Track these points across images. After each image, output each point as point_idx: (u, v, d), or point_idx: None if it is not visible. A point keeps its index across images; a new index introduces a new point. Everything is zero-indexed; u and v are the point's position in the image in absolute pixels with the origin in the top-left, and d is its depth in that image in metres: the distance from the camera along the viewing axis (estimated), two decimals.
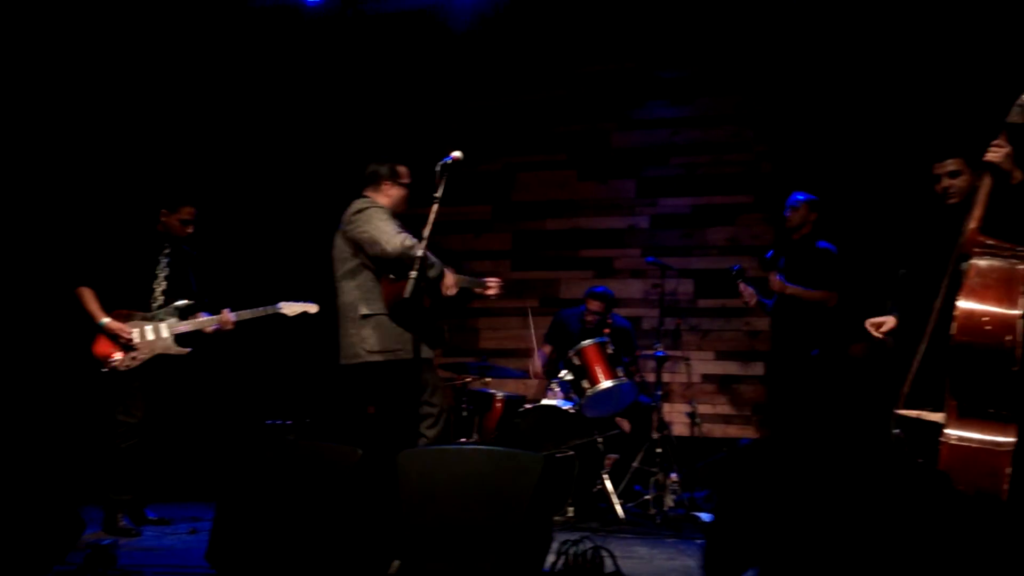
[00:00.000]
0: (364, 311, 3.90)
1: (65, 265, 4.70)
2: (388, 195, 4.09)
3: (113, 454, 4.37)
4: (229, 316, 4.53)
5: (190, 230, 4.56)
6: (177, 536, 4.34)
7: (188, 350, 4.51)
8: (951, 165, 3.38)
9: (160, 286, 4.51)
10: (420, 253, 3.54)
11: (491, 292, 4.26)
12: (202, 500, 5.15)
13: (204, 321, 4.53)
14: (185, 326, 4.49)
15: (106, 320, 4.35)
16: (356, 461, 3.06)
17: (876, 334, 3.55)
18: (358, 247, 3.95)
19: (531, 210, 6.87)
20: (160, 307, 4.50)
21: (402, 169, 4.15)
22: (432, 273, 3.84)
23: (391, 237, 3.79)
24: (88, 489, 4.63)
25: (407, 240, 3.78)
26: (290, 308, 4.67)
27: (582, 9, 6.47)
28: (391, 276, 3.86)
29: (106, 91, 5.85)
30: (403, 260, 3.73)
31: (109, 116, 5.85)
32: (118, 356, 4.36)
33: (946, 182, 3.38)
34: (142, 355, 4.40)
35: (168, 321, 4.47)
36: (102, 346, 4.39)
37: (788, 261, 5.09)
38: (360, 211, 3.96)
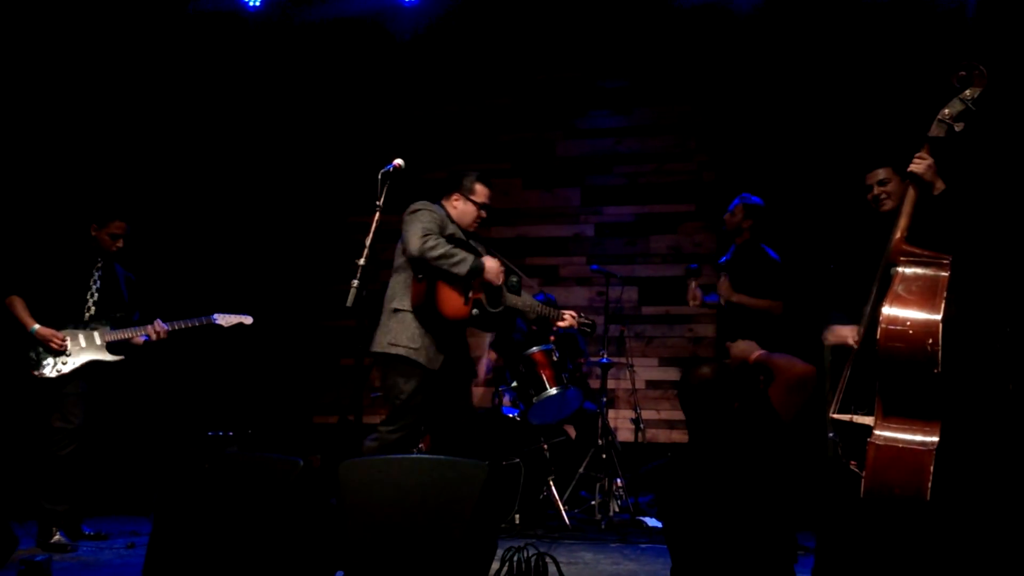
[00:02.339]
0: (395, 305, 3.93)
1: None
2: (454, 206, 4.10)
3: (49, 462, 4.29)
4: (161, 326, 4.53)
5: (120, 244, 4.55)
6: (114, 551, 4.25)
7: (121, 357, 4.50)
8: (881, 174, 3.49)
9: (92, 298, 4.51)
10: (361, 262, 3.52)
11: (564, 324, 4.23)
12: (140, 514, 5.06)
13: (135, 330, 4.53)
14: (117, 334, 4.51)
15: (37, 327, 4.34)
16: (298, 472, 3.04)
17: (851, 343, 3.54)
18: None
19: None
20: (92, 318, 4.49)
21: (478, 187, 4.10)
22: (459, 268, 3.81)
23: (416, 238, 3.80)
24: (21, 504, 4.53)
25: (429, 242, 3.79)
26: (225, 319, 4.72)
27: (525, 18, 6.52)
28: (419, 276, 3.87)
29: (43, 102, 5.73)
30: (422, 262, 3.78)
31: (46, 128, 5.73)
32: (49, 363, 4.34)
33: (877, 190, 3.50)
34: (73, 360, 4.37)
35: (100, 329, 4.49)
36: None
37: (732, 265, 5.12)
38: (411, 212, 3.96)
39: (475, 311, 3.98)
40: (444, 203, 4.11)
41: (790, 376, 3.97)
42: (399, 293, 3.94)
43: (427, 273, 3.84)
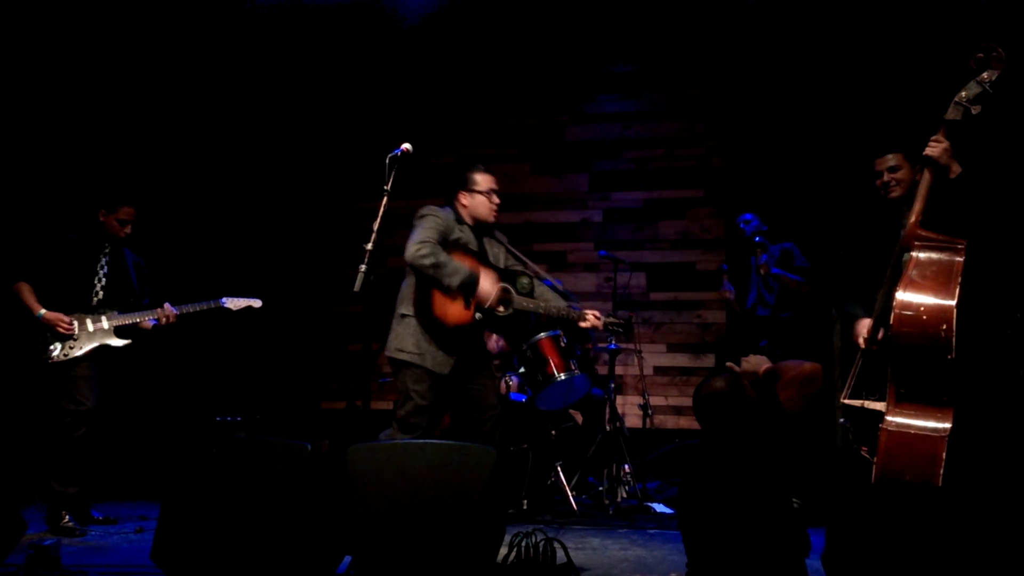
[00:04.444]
0: (402, 311, 3.92)
1: (4, 263, 4.63)
2: (463, 205, 4.04)
3: (60, 444, 4.31)
4: (170, 310, 4.54)
5: (128, 230, 4.56)
6: (123, 535, 4.26)
7: (128, 341, 4.51)
8: (891, 160, 3.45)
9: (99, 284, 4.53)
10: (369, 247, 3.50)
11: (585, 325, 4.13)
12: (149, 499, 5.08)
13: (144, 314, 4.54)
14: (125, 319, 4.51)
15: (43, 312, 4.37)
16: (306, 457, 3.03)
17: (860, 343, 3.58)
18: None
19: None
20: (99, 303, 4.51)
21: (478, 176, 4.04)
22: (450, 280, 3.75)
23: (411, 245, 3.79)
24: (30, 488, 4.55)
25: (422, 249, 3.74)
26: (233, 303, 4.70)
27: (532, 2, 6.47)
28: (419, 284, 3.86)
29: (51, 90, 5.72)
30: (414, 267, 3.77)
31: (52, 116, 5.72)
32: (58, 348, 4.36)
33: (887, 176, 3.45)
34: (81, 344, 4.40)
35: (108, 314, 4.50)
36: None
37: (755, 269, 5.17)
38: (418, 217, 3.93)
39: (479, 315, 3.90)
40: (455, 204, 4.06)
41: (797, 374, 4.02)
42: (406, 298, 3.93)
43: (424, 280, 3.81)
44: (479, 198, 4.04)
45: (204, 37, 6.42)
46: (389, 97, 6.96)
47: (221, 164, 6.76)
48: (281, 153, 7.02)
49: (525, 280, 4.07)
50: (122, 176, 5.68)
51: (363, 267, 3.46)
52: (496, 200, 4.09)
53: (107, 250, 4.58)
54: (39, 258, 4.48)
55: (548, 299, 4.13)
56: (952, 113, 2.88)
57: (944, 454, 2.44)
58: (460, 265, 3.82)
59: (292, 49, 6.77)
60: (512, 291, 4.00)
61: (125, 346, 4.50)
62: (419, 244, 3.77)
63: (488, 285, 3.88)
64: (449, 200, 4.08)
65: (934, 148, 2.92)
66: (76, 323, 4.40)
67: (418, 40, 6.68)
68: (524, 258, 4.18)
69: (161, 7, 6.06)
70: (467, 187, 4.04)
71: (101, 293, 4.51)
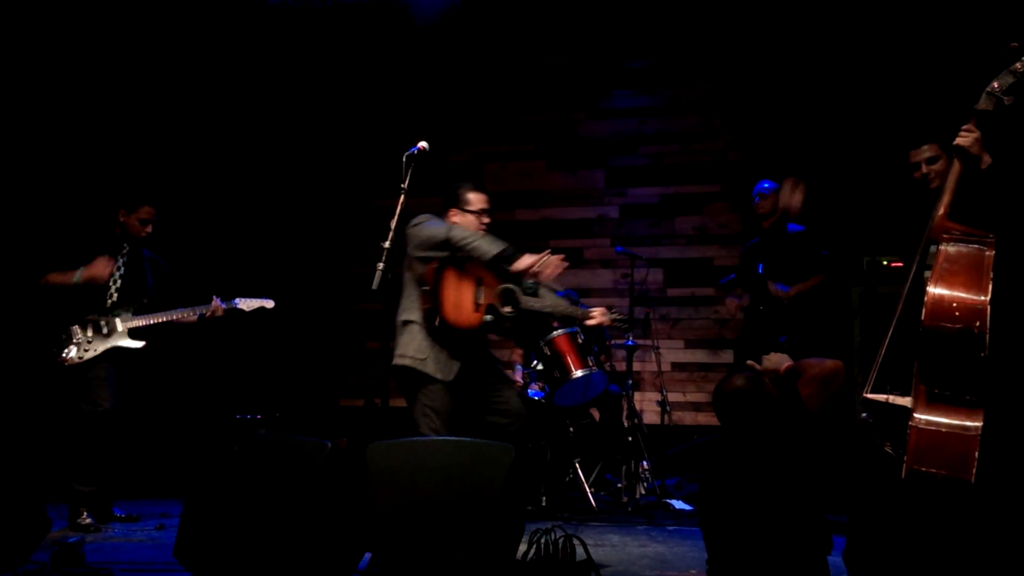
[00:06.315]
0: (404, 318, 3.85)
1: (23, 266, 4.66)
2: (454, 222, 3.91)
3: (79, 445, 4.34)
4: (182, 312, 4.58)
5: (149, 230, 4.58)
6: (145, 532, 4.29)
7: (143, 343, 4.53)
8: (929, 151, 3.41)
9: (115, 285, 4.54)
10: (387, 245, 3.49)
11: (592, 323, 4.02)
12: (171, 496, 5.10)
13: (156, 315, 4.56)
14: (139, 321, 4.54)
15: (80, 273, 4.38)
16: (326, 455, 3.03)
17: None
18: (410, 259, 3.85)
19: (500, 200, 6.79)
20: (114, 304, 4.52)
21: (471, 196, 3.91)
22: (488, 248, 3.63)
23: (438, 229, 3.71)
24: (52, 486, 4.58)
25: (453, 230, 3.68)
26: (247, 304, 4.74)
27: None
28: (426, 288, 3.79)
29: (64, 93, 5.74)
30: (453, 247, 3.67)
31: (66, 119, 5.74)
32: (73, 351, 4.38)
33: (925, 168, 3.41)
34: (95, 346, 4.42)
35: (122, 316, 4.52)
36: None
37: (766, 253, 5.08)
38: (415, 224, 3.82)
39: (488, 317, 3.81)
40: (446, 220, 3.94)
41: (819, 371, 4.01)
42: (407, 305, 3.85)
43: (456, 263, 3.70)
44: (469, 218, 3.91)
45: (221, 37, 6.44)
46: (405, 95, 6.96)
47: (239, 163, 6.78)
48: (299, 151, 7.04)
49: (529, 281, 3.94)
50: (141, 176, 5.70)
51: (381, 265, 3.46)
52: (486, 220, 3.97)
53: (125, 251, 4.59)
54: (57, 259, 4.47)
55: (552, 300, 4.03)
56: (984, 103, 2.82)
57: (977, 452, 2.38)
58: (493, 237, 3.73)
59: (308, 48, 6.78)
60: (518, 291, 3.90)
61: (140, 348, 4.51)
62: (448, 227, 3.72)
63: (528, 255, 3.69)
64: (440, 214, 3.96)
65: (964, 138, 2.86)
66: (90, 326, 4.42)
67: (433, 37, 6.67)
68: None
69: (179, 7, 6.08)
70: (459, 205, 3.93)
71: (116, 295, 4.53)
